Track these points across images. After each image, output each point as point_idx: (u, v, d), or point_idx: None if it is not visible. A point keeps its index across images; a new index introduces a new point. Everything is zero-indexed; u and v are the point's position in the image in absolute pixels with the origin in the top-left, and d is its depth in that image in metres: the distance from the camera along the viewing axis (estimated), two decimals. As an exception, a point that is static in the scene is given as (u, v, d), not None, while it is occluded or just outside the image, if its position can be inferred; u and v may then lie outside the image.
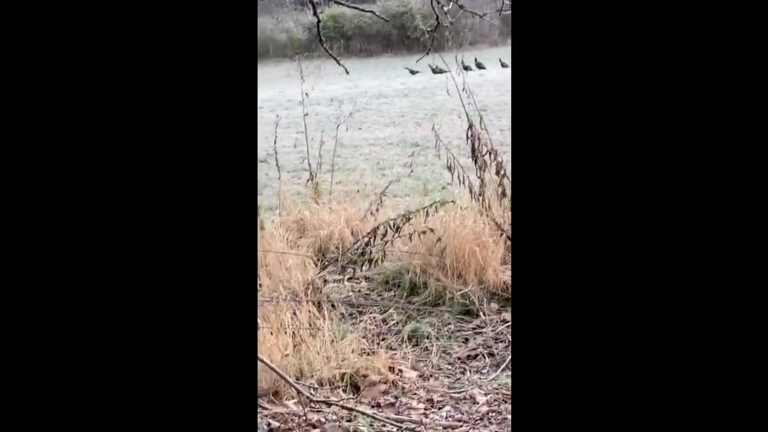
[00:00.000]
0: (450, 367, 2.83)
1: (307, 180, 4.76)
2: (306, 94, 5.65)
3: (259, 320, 2.68)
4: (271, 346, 2.55)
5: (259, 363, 2.17)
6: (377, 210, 3.95)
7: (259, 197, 6.19)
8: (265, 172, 7.02)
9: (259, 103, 9.94)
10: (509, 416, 2.28)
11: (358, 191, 5.77)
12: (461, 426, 2.38)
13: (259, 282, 2.94)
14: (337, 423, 2.33)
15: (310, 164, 4.78)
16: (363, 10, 3.36)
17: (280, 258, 3.24)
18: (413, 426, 2.35)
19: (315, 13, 4.21)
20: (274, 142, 5.43)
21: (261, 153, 8.12)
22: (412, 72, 13.96)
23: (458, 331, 3.10)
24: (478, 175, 3.64)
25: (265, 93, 12.77)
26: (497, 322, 3.13)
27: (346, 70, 4.20)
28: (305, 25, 21.70)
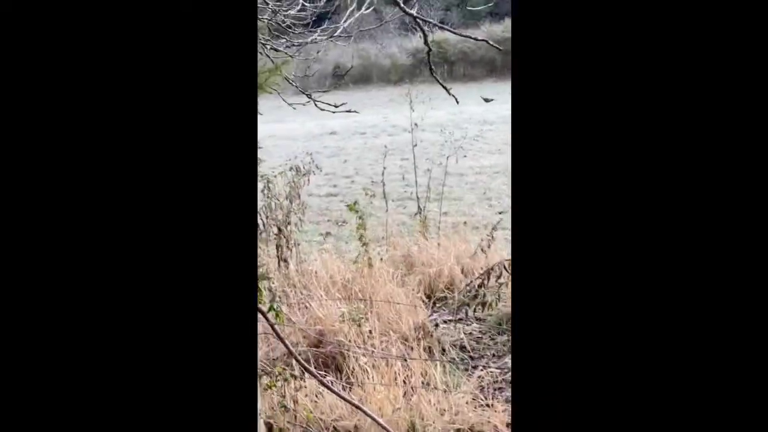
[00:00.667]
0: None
1: (415, 213, 4.59)
2: (415, 123, 5.52)
3: (369, 370, 2.54)
4: (382, 399, 2.39)
5: (368, 419, 2.02)
6: (489, 246, 3.75)
7: (351, 225, 6.13)
8: (369, 201, 6.95)
9: (363, 129, 9.96)
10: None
11: (465, 223, 5.59)
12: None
13: (367, 325, 2.79)
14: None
15: (418, 197, 4.62)
16: (472, 38, 3.19)
17: (390, 296, 3.09)
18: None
19: (426, 42, 4.05)
20: (382, 174, 5.30)
21: (365, 180, 8.09)
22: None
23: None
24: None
25: (369, 118, 12.81)
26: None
27: (456, 100, 4.02)
28: (409, 50, 21.81)
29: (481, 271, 3.28)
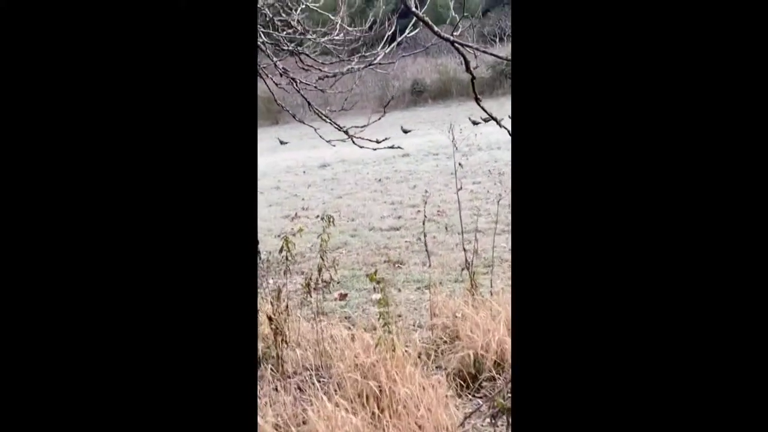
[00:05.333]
0: None
1: (462, 269, 3.98)
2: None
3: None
4: None
5: None
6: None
7: (414, 266, 5.60)
8: (433, 235, 6.39)
9: (436, 150, 9.34)
10: None
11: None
12: None
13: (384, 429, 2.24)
14: None
15: (464, 249, 3.98)
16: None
17: (420, 386, 2.53)
18: None
19: (468, 69, 3.49)
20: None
21: (431, 209, 7.55)
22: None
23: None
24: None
25: (442, 138, 12.24)
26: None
27: (508, 131, 3.38)
28: (488, 63, 21.14)
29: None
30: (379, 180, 10.24)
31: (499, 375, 2.81)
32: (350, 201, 8.87)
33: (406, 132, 13.18)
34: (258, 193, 7.57)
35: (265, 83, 4.40)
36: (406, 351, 2.86)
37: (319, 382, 2.71)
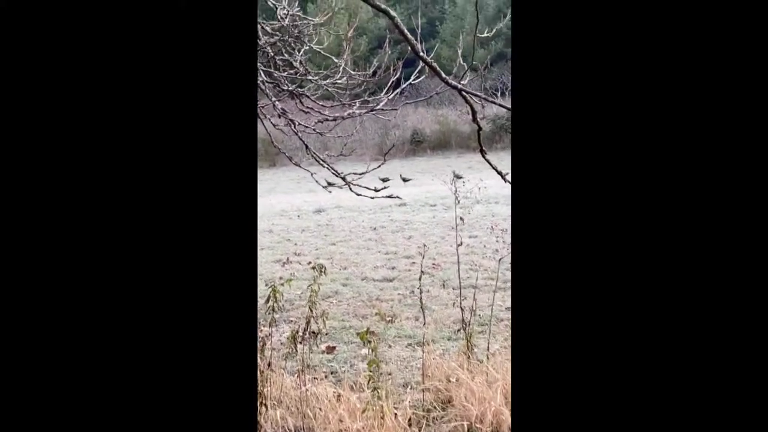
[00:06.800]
0: None
1: (458, 329, 3.78)
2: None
3: None
4: None
5: None
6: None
7: (407, 321, 5.39)
8: (427, 289, 6.18)
9: (434, 201, 9.19)
10: None
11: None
12: None
13: None
14: None
15: (462, 308, 3.76)
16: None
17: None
18: None
19: (474, 119, 3.35)
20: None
21: (426, 261, 7.35)
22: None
23: None
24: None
25: (441, 189, 12.10)
26: None
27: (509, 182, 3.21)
28: (489, 116, 21.20)
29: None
30: (374, 228, 10.07)
31: (495, 449, 2.59)
32: (344, 248, 8.68)
33: (405, 181, 13.02)
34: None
35: (263, 124, 4.26)
36: (395, 416, 2.65)
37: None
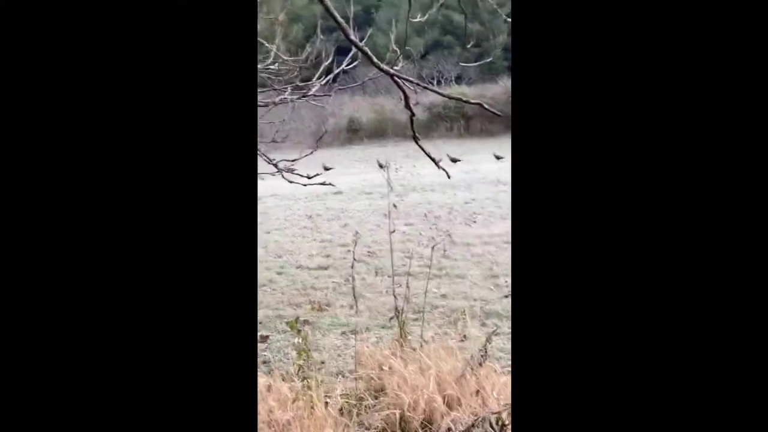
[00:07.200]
0: None
1: (390, 318, 3.76)
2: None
3: None
4: None
5: None
6: (481, 363, 2.92)
7: (341, 309, 5.36)
8: (362, 277, 6.17)
9: (371, 188, 9.15)
10: None
11: (463, 312, 4.76)
12: None
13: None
14: None
15: (395, 296, 3.74)
16: (463, 100, 2.44)
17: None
18: None
19: (407, 105, 3.29)
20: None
21: (361, 249, 7.32)
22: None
23: None
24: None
25: (376, 176, 12.07)
26: None
27: (447, 174, 3.21)
28: (425, 104, 21.26)
29: (470, 408, 2.47)
30: (310, 216, 10.00)
31: (428, 437, 2.58)
32: (278, 237, 8.59)
33: (326, 170, 12.92)
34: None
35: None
36: (326, 405, 2.62)
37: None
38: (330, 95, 4.37)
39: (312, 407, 2.36)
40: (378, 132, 23.23)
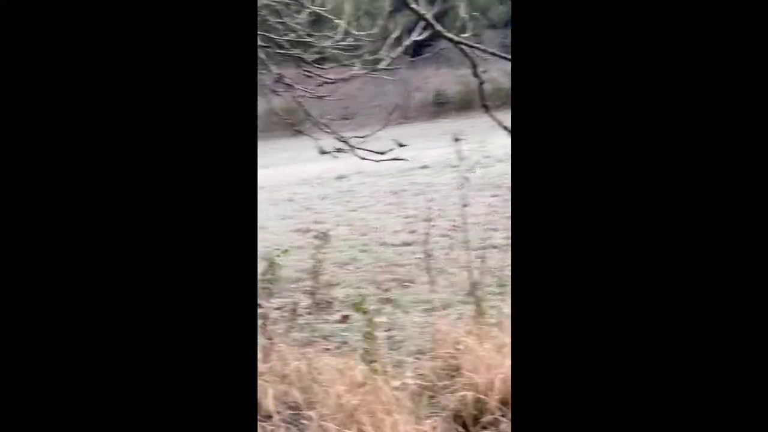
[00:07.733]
0: None
1: (467, 293, 3.65)
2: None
3: None
4: None
5: None
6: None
7: (424, 285, 5.26)
8: (446, 251, 6.06)
9: (456, 162, 8.90)
10: None
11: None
12: None
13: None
14: None
15: (472, 273, 3.62)
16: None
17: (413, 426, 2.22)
18: None
19: (476, 74, 3.19)
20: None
21: (446, 224, 7.21)
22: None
23: None
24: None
25: (464, 148, 11.85)
26: None
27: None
28: (506, 71, 20.76)
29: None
30: (395, 192, 9.94)
31: (504, 418, 2.48)
32: (364, 214, 8.58)
33: (401, 146, 12.78)
34: (272, 204, 7.27)
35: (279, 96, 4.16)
36: (402, 384, 2.55)
37: (296, 426, 2.41)
38: (400, 68, 4.27)
39: (379, 390, 2.30)
40: (465, 104, 22.87)
